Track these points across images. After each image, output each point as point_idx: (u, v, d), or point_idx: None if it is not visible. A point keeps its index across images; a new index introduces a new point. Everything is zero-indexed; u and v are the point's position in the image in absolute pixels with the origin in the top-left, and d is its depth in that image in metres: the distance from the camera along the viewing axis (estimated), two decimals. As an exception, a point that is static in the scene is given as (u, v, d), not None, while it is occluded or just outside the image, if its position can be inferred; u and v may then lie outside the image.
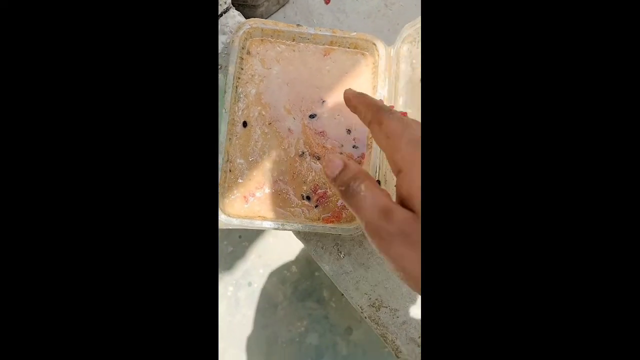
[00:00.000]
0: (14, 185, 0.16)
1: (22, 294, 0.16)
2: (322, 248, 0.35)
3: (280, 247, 0.80)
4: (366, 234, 0.20)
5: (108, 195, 0.16)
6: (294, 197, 0.32)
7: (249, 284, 0.79)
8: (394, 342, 0.34)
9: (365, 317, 0.34)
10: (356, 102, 0.25)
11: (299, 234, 0.35)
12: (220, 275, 0.79)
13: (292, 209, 0.32)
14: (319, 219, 0.32)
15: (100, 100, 0.16)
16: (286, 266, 0.79)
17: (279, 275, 0.79)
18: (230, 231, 0.79)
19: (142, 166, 0.17)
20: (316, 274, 0.79)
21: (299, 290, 0.79)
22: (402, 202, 0.19)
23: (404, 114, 0.23)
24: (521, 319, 0.15)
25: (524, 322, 0.15)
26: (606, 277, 0.15)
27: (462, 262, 0.16)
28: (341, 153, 0.33)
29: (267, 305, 0.78)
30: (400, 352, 0.34)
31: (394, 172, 0.20)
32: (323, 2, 0.54)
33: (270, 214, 0.32)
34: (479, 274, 0.15)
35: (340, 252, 0.35)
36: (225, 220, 0.31)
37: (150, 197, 0.17)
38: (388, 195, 0.20)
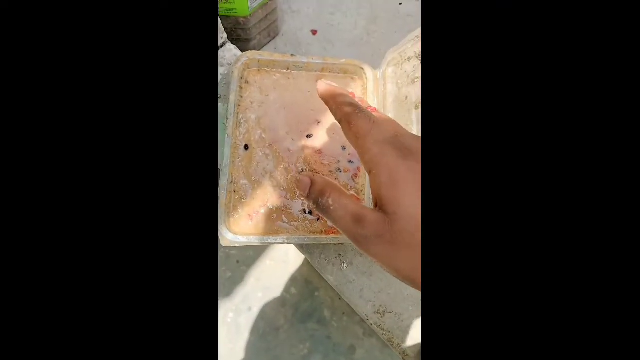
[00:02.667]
0: (14, 187, 0.15)
1: (22, 306, 0.15)
2: (325, 260, 0.36)
3: (279, 269, 0.81)
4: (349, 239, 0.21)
5: (112, 212, 0.16)
6: (296, 212, 0.34)
7: (249, 309, 0.79)
8: (400, 346, 0.35)
9: (371, 324, 0.36)
10: (327, 97, 0.25)
11: (302, 248, 0.37)
12: (220, 302, 0.79)
13: (295, 224, 0.34)
14: (321, 232, 0.34)
15: (103, 109, 0.16)
16: (285, 288, 0.79)
17: (279, 298, 0.79)
18: (228, 256, 0.80)
19: (143, 188, 0.17)
20: (316, 294, 0.79)
21: (299, 312, 0.79)
22: (376, 202, 0.20)
23: (374, 109, 0.23)
24: (522, 320, 0.15)
25: (525, 324, 0.15)
26: (605, 275, 0.15)
27: (462, 260, 0.16)
28: (338, 169, 0.35)
29: (268, 329, 0.78)
30: (407, 355, 0.35)
31: (367, 171, 0.21)
32: (310, 33, 0.59)
33: (275, 230, 0.34)
34: (478, 272, 0.16)
35: (343, 263, 0.37)
36: (232, 238, 0.32)
37: (149, 219, 0.17)
38: (357, 200, 0.21)
